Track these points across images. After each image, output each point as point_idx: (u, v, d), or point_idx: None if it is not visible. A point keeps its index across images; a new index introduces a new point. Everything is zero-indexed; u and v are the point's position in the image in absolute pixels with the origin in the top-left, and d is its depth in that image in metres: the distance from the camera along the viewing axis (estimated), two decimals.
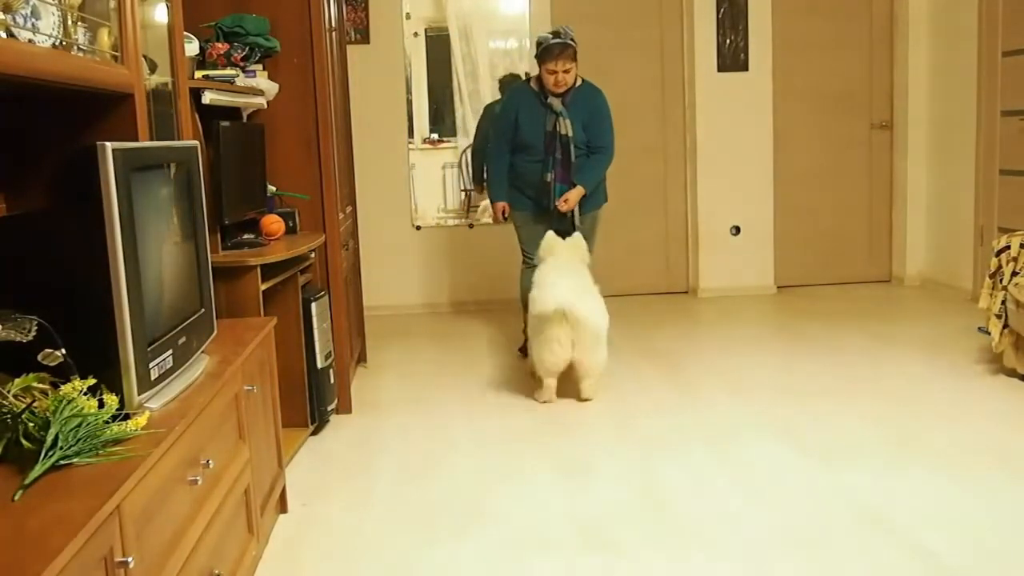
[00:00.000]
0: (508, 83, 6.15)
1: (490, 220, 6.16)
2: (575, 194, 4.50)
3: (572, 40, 4.39)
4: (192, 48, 3.15)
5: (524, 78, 5.27)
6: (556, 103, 4.45)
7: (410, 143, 6.05)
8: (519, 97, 4.64)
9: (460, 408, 3.96)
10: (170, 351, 2.02)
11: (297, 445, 3.40)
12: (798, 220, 6.34)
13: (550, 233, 4.41)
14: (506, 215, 4.65)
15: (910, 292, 6.18)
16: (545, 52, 4.38)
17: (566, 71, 4.39)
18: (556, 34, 4.38)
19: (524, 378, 4.37)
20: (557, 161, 4.47)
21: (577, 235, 4.41)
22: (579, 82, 4.53)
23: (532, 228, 4.61)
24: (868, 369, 4.29)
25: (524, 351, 4.71)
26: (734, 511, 2.80)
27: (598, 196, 4.68)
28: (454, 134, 6.43)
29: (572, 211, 4.49)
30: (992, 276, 4.09)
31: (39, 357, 1.74)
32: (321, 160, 3.78)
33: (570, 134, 4.45)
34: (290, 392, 3.35)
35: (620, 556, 2.54)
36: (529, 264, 4.64)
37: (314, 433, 3.63)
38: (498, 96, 6.13)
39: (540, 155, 4.49)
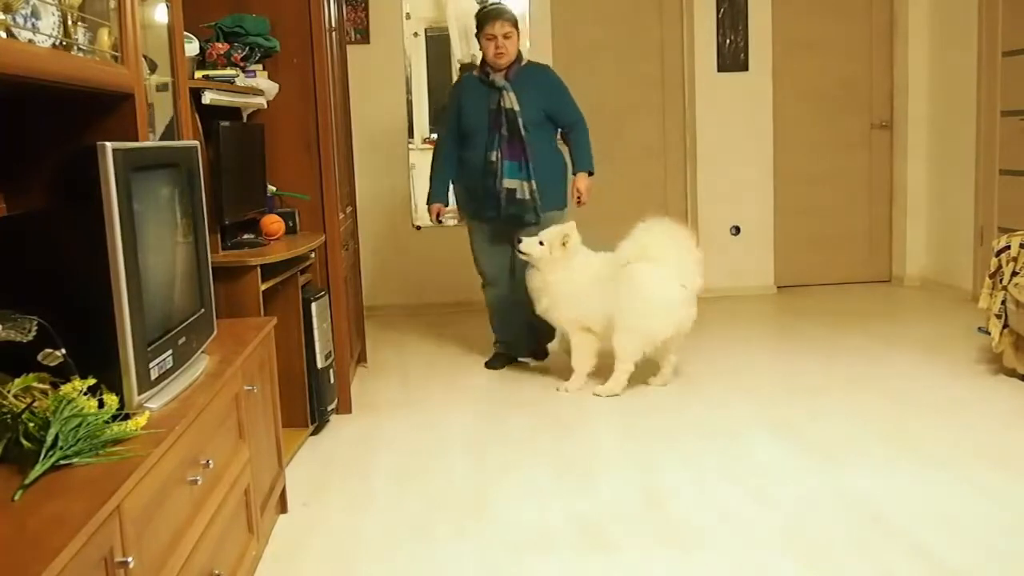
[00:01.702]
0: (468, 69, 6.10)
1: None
2: (584, 183, 4.29)
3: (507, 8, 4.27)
4: (192, 48, 3.15)
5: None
6: (499, 78, 4.20)
7: (410, 143, 6.05)
8: (463, 84, 4.45)
9: (460, 408, 3.96)
10: (170, 351, 2.02)
11: (297, 445, 3.40)
12: (798, 220, 6.33)
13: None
14: (440, 217, 4.40)
15: (910, 292, 6.18)
16: (484, 16, 4.21)
17: (506, 36, 4.17)
18: (494, 1, 4.36)
19: (524, 378, 4.38)
20: (503, 138, 4.15)
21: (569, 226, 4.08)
22: (524, 61, 4.31)
23: (486, 242, 4.36)
24: (868, 369, 4.29)
25: (491, 365, 4.52)
26: (734, 511, 2.80)
27: (555, 192, 4.32)
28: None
29: (529, 194, 4.15)
30: (992, 276, 4.09)
31: (39, 357, 1.74)
32: (321, 160, 3.78)
33: (516, 108, 4.15)
34: (290, 392, 3.35)
35: (620, 556, 2.54)
36: (487, 283, 4.44)
37: (314, 433, 3.63)
38: None
39: (484, 139, 4.21)
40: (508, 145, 4.15)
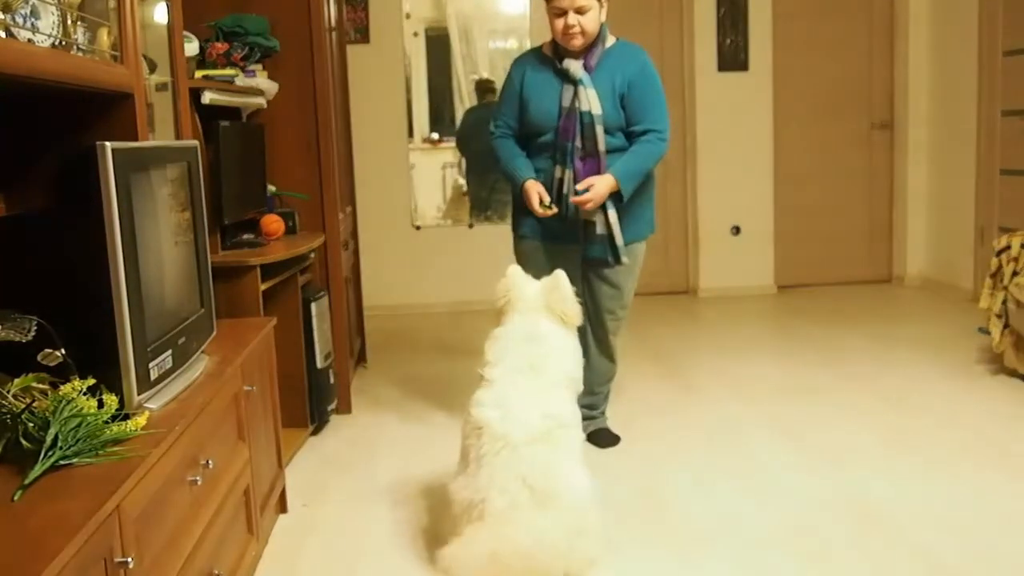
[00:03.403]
0: (484, 88, 6.08)
1: (493, 219, 6.14)
2: (603, 185, 3.07)
3: None
4: (192, 48, 3.15)
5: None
6: (575, 67, 3.11)
7: (410, 143, 6.05)
8: (525, 62, 3.31)
9: (460, 408, 3.94)
10: (170, 351, 2.02)
11: (297, 445, 3.40)
12: (798, 220, 6.33)
13: (514, 270, 2.85)
14: (543, 203, 3.13)
15: (910, 292, 6.17)
16: None
17: (579, 10, 3.05)
18: None
19: None
20: (576, 151, 3.12)
21: (560, 278, 2.72)
22: (611, 41, 3.23)
23: (543, 265, 3.14)
24: (868, 369, 4.28)
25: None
26: (734, 510, 2.80)
27: (640, 222, 3.29)
28: (454, 134, 6.41)
29: (607, 228, 3.15)
30: (993, 276, 4.09)
31: (39, 357, 1.74)
32: (321, 160, 3.77)
33: (596, 112, 3.10)
34: (290, 392, 3.35)
35: (620, 556, 2.54)
36: None
37: (314, 433, 3.63)
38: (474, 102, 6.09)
39: (552, 144, 3.18)
40: (581, 160, 3.14)
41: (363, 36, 5.83)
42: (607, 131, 3.14)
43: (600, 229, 3.17)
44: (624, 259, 3.22)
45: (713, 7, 6.02)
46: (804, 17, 6.17)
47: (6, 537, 1.33)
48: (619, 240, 3.16)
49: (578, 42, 3.11)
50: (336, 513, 2.91)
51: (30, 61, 1.65)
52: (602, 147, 3.14)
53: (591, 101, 3.11)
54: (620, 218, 3.16)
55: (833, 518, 2.71)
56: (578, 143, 3.13)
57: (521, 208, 3.31)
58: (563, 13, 3.07)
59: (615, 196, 3.14)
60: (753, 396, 3.94)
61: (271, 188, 3.73)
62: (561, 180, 3.16)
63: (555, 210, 3.13)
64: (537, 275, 2.89)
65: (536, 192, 3.15)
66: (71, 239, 1.85)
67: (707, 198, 6.19)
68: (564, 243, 3.25)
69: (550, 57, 3.24)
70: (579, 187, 3.10)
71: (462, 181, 6.19)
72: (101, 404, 1.71)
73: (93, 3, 2.01)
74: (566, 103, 3.13)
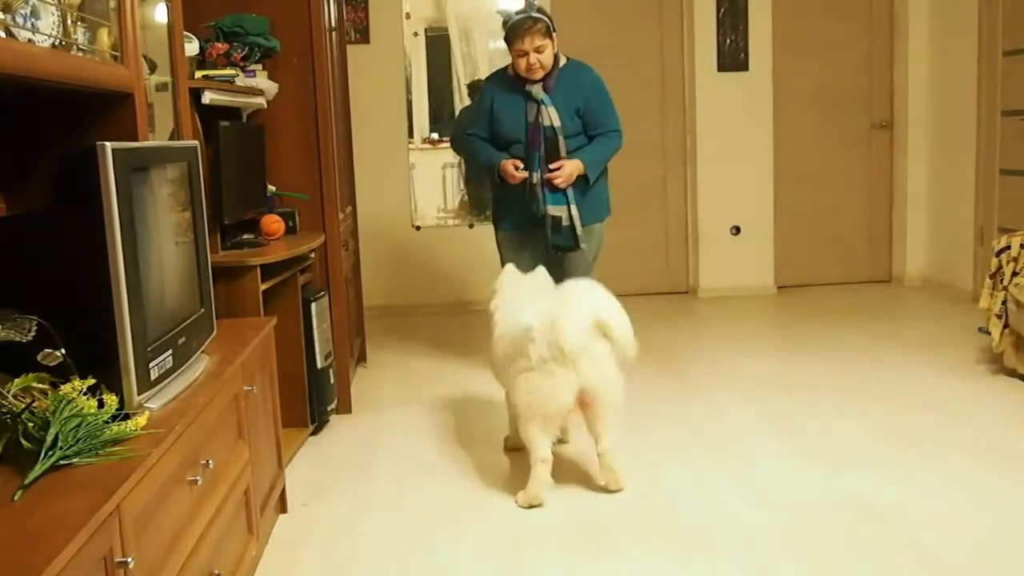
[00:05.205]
0: (477, 89, 6.07)
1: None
2: (572, 165, 3.84)
3: (541, 12, 3.81)
4: (192, 48, 3.15)
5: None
6: (536, 89, 3.83)
7: (410, 143, 6.05)
8: (495, 83, 4.04)
9: (459, 408, 3.96)
10: (170, 351, 2.02)
11: (297, 445, 3.40)
12: (798, 220, 6.33)
13: (510, 267, 3.48)
14: (518, 168, 3.85)
15: (910, 292, 6.17)
16: (511, 31, 3.79)
17: (538, 50, 3.76)
18: (522, 10, 3.84)
19: None
20: (542, 158, 3.85)
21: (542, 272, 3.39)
22: (563, 61, 3.93)
23: (516, 252, 3.99)
24: (868, 369, 4.28)
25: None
26: (734, 511, 2.80)
27: (599, 205, 4.06)
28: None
29: (571, 220, 3.88)
30: (992, 276, 4.09)
31: (39, 357, 1.74)
32: (321, 160, 3.78)
33: (556, 124, 3.83)
34: (290, 392, 3.35)
35: (620, 556, 2.54)
36: None
37: (314, 433, 3.63)
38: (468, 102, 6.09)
39: (523, 153, 3.91)
40: (548, 167, 3.86)
41: (363, 36, 5.83)
42: (567, 137, 3.86)
43: (566, 222, 3.90)
44: (583, 245, 3.93)
45: (713, 7, 6.01)
46: (804, 17, 6.17)
47: (6, 537, 1.33)
48: (579, 231, 3.90)
49: (539, 75, 3.84)
50: (336, 513, 2.91)
51: (30, 61, 1.65)
52: (563, 153, 3.86)
53: (552, 117, 3.84)
54: (582, 206, 3.90)
55: (833, 517, 2.71)
56: (543, 152, 3.85)
57: (502, 204, 4.09)
58: (525, 54, 3.78)
59: (581, 182, 3.88)
60: (753, 395, 3.94)
61: (271, 188, 3.74)
62: (535, 184, 3.86)
63: (527, 173, 3.86)
64: (513, 258, 3.73)
65: (510, 163, 3.87)
66: (71, 239, 1.85)
67: (707, 198, 6.19)
68: (534, 233, 3.98)
69: (514, 77, 3.93)
70: (552, 166, 3.85)
71: (462, 187, 6.18)
72: (101, 404, 1.72)
73: (93, 3, 2.01)
74: (531, 118, 3.86)
